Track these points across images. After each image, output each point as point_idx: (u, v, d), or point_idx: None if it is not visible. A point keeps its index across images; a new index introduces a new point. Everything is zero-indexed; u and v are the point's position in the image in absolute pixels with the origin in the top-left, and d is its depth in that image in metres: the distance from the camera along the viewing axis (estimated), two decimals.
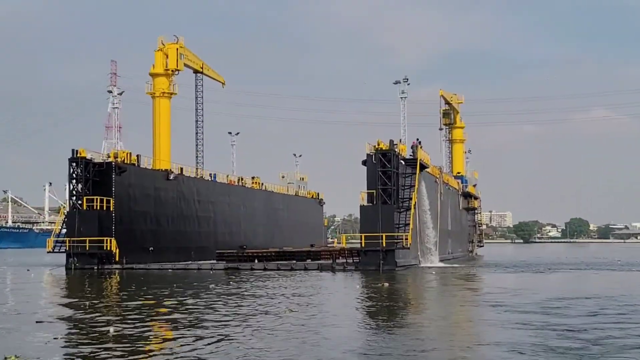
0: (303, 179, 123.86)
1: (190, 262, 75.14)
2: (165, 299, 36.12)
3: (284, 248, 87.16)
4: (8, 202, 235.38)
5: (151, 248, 75.27)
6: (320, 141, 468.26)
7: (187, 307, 32.36)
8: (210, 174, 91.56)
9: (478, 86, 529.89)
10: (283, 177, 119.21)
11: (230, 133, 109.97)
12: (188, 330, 24.47)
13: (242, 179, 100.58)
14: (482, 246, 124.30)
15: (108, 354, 19.64)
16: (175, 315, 28.86)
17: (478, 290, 45.18)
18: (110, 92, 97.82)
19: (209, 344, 21.39)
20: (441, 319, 29.48)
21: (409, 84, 74.30)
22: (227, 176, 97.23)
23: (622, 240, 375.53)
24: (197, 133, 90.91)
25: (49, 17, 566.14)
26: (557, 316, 28.06)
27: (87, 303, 34.21)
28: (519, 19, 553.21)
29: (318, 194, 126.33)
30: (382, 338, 23.03)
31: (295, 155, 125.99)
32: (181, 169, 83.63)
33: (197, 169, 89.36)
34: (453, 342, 22.55)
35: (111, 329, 23.67)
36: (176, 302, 34.33)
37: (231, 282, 49.30)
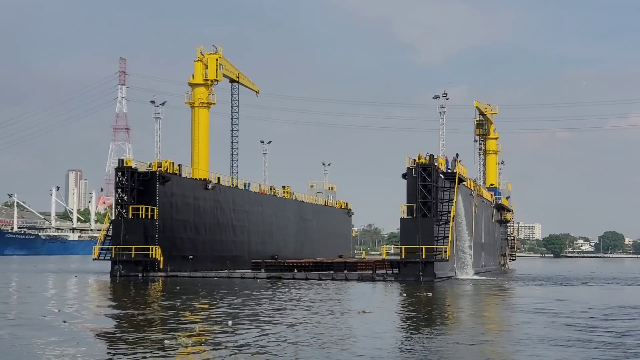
0: (332, 188, 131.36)
1: (231, 270, 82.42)
2: (246, 303, 43.59)
3: (317, 258, 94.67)
4: (14, 206, 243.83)
5: (191, 256, 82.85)
6: (341, 147, 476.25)
7: (276, 309, 39.81)
8: (244, 183, 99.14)
9: (505, 86, 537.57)
10: (312, 186, 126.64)
11: (262, 142, 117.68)
12: (306, 324, 31.93)
13: (273, 188, 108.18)
14: (514, 260, 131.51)
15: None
16: (269, 313, 36.32)
17: (521, 299, 52.36)
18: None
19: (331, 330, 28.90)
20: (495, 321, 36.89)
21: (447, 99, 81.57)
22: (259, 185, 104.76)
23: None
24: (232, 142, 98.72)
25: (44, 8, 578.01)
26: (600, 321, 35.31)
27: (178, 302, 41.83)
28: (552, 15, 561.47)
29: (347, 204, 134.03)
30: (448, 333, 30.46)
31: (324, 164, 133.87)
32: (218, 178, 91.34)
33: (231, 178, 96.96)
34: (511, 338, 29.87)
35: (230, 322, 31.14)
36: (249, 305, 41.81)
37: (288, 289, 56.71)
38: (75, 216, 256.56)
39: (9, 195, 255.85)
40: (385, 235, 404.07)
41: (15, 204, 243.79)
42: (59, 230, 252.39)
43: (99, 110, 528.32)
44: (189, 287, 59.59)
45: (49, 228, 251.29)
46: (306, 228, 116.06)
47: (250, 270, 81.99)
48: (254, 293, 52.73)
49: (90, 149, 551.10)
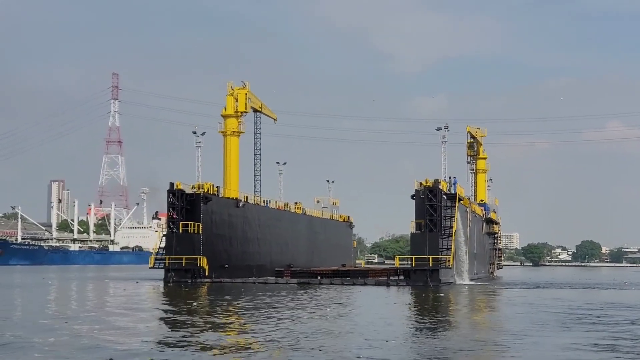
0: (335, 203, 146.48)
1: (265, 277, 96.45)
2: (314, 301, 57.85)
3: (330, 267, 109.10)
4: (18, 218, 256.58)
5: (226, 265, 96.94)
6: (329, 161, 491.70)
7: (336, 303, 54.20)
8: (264, 201, 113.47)
9: (484, 96, 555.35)
10: (318, 202, 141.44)
11: (278, 163, 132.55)
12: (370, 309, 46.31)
13: (287, 205, 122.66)
14: (501, 268, 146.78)
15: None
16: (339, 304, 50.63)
17: (515, 296, 67.08)
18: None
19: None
20: (504, 309, 51.54)
21: (448, 130, 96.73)
22: (276, 202, 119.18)
23: (635, 265, 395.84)
24: (255, 165, 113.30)
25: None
26: (584, 309, 50.07)
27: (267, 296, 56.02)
28: (528, 25, 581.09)
29: (348, 217, 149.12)
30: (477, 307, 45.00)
31: (328, 181, 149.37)
32: (246, 197, 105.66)
33: (254, 196, 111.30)
34: (520, 319, 44.43)
35: (328, 309, 45.47)
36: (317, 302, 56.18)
37: (326, 290, 70.99)
38: (75, 228, 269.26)
39: (12, 207, 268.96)
40: (368, 245, 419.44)
41: (19, 216, 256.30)
42: (60, 242, 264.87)
43: (85, 124, 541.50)
44: (245, 290, 73.57)
45: (50, 239, 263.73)
46: (315, 240, 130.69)
47: (274, 277, 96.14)
48: (307, 293, 66.84)
49: (77, 162, 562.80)
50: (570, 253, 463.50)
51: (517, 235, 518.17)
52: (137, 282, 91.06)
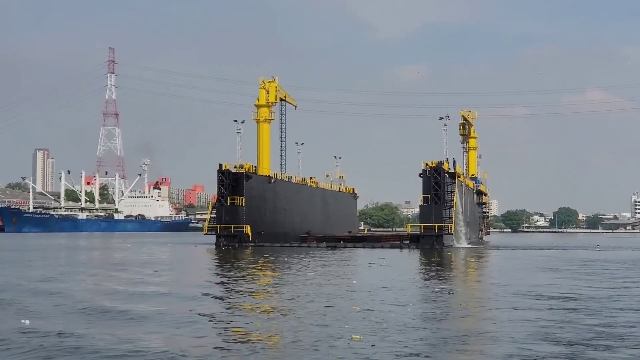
0: (342, 177, 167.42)
1: (291, 242, 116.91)
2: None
3: (348, 233, 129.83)
4: (29, 189, 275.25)
5: (262, 232, 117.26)
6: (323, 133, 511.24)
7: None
8: (287, 177, 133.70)
9: (465, 64, 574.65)
10: (327, 175, 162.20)
11: (297, 143, 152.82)
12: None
13: (304, 179, 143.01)
14: (488, 234, 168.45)
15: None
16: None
17: (506, 252, 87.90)
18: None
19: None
20: (499, 262, 72.49)
21: (449, 120, 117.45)
22: (295, 177, 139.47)
23: (611, 231, 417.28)
24: (280, 146, 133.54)
25: None
26: (555, 260, 71.06)
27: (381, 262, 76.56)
28: None
29: (353, 189, 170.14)
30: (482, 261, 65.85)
31: (335, 157, 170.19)
32: (276, 174, 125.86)
33: (281, 173, 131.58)
34: (509, 265, 65.10)
35: (384, 260, 66.01)
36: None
37: (355, 251, 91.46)
38: (83, 197, 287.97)
39: (22, 178, 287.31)
40: None
41: (30, 187, 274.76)
42: (70, 210, 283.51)
43: (81, 98, 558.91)
44: (292, 252, 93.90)
45: (59, 208, 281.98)
46: (327, 210, 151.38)
47: (300, 242, 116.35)
48: (343, 253, 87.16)
49: (66, 132, 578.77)
50: (547, 220, 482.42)
51: (496, 202, 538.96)
52: (195, 246, 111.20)
